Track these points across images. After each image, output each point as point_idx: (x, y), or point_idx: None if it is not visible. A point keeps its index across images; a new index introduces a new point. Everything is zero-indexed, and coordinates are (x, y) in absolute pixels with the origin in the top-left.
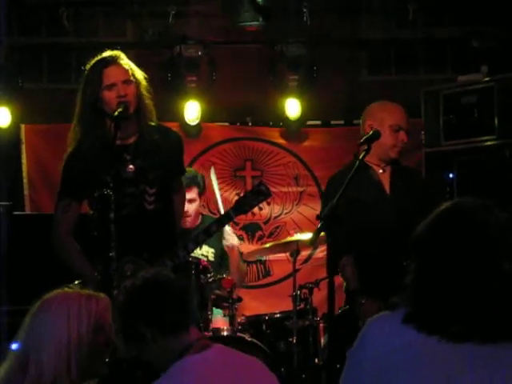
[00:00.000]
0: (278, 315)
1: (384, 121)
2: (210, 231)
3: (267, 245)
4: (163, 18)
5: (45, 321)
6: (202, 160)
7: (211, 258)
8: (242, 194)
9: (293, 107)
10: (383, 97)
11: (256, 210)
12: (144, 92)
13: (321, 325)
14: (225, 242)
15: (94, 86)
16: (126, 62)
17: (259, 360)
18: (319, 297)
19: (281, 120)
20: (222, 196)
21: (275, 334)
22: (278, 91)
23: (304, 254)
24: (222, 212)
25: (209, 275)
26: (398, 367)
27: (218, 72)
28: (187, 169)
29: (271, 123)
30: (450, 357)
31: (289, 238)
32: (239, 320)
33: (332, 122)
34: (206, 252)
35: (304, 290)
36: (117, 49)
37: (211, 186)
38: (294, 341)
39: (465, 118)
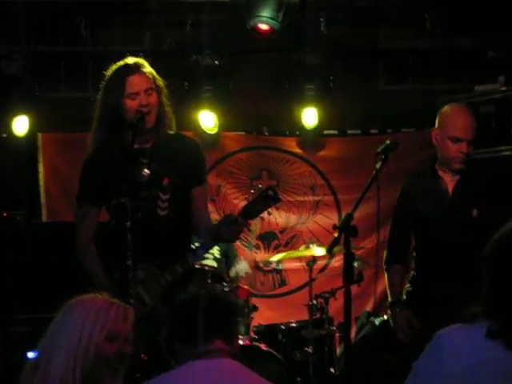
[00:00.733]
0: (294, 324)
1: (445, 130)
2: (220, 234)
3: (281, 255)
4: (180, 27)
5: (61, 323)
6: (219, 169)
7: (217, 255)
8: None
9: (309, 116)
10: (400, 106)
11: (272, 219)
12: (164, 99)
13: (337, 334)
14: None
15: (116, 92)
16: (148, 69)
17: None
18: (335, 306)
19: (297, 129)
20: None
21: (291, 344)
22: (295, 100)
23: (320, 263)
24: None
25: (224, 283)
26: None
27: (234, 81)
28: None
29: (288, 132)
30: None
31: (304, 252)
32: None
33: (349, 132)
34: (211, 250)
35: (320, 300)
36: (134, 58)
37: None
38: (310, 350)
39: (482, 128)
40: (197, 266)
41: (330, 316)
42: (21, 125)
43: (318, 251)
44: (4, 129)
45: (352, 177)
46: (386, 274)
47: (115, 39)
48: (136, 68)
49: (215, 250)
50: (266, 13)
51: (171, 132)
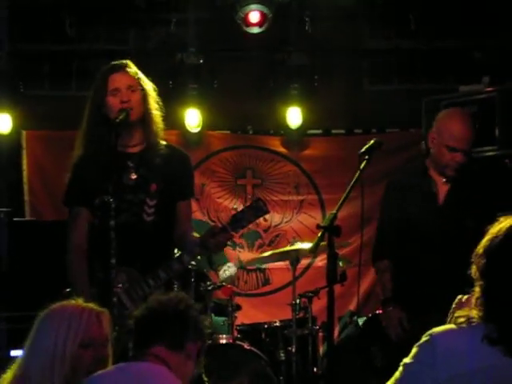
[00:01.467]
0: (278, 323)
1: (442, 137)
2: (205, 245)
3: (267, 253)
4: (165, 25)
5: (37, 333)
6: (203, 168)
7: None
8: (240, 204)
9: (294, 116)
10: (384, 106)
11: None
12: (151, 102)
13: (320, 333)
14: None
15: (100, 91)
16: (133, 70)
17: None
18: (319, 305)
19: (282, 128)
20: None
21: (274, 343)
22: (279, 100)
23: (304, 262)
24: None
25: (208, 283)
26: None
27: (219, 80)
28: None
29: (272, 132)
30: None
31: (288, 248)
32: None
33: (333, 131)
34: None
35: (303, 299)
36: (119, 56)
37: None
38: (293, 349)
39: None
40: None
41: (313, 315)
42: (4, 122)
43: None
44: None
45: (336, 176)
46: (375, 270)
47: (100, 37)
48: (119, 67)
49: None
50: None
51: (163, 142)
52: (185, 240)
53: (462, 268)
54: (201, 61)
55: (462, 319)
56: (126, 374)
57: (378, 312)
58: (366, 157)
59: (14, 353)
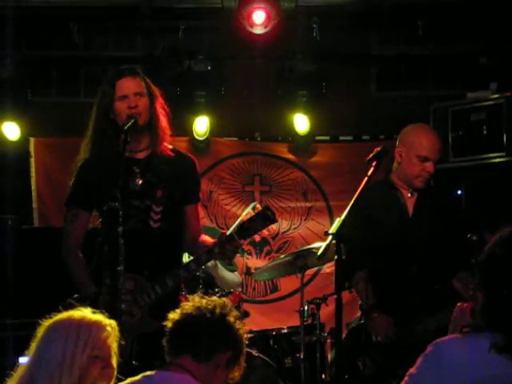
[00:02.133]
0: (286, 330)
1: (412, 149)
2: (213, 253)
3: (275, 261)
4: (173, 32)
5: (44, 344)
6: (211, 174)
7: None
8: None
9: (301, 123)
10: (392, 113)
11: None
12: (159, 108)
13: (328, 340)
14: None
15: (107, 97)
16: (140, 75)
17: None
18: (327, 312)
19: (289, 135)
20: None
21: (282, 350)
22: (287, 107)
23: (312, 269)
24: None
25: (216, 289)
26: None
27: (227, 87)
28: None
29: (280, 138)
30: None
31: (298, 249)
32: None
33: (341, 138)
34: None
35: (311, 306)
36: (126, 63)
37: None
38: (302, 356)
39: (473, 135)
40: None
41: (321, 322)
42: (13, 130)
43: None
44: None
45: (344, 183)
46: (354, 281)
47: (108, 44)
48: (127, 72)
49: None
50: None
51: (169, 146)
52: (195, 245)
53: (436, 277)
54: (208, 68)
55: (467, 328)
56: (151, 381)
57: (360, 322)
58: (374, 163)
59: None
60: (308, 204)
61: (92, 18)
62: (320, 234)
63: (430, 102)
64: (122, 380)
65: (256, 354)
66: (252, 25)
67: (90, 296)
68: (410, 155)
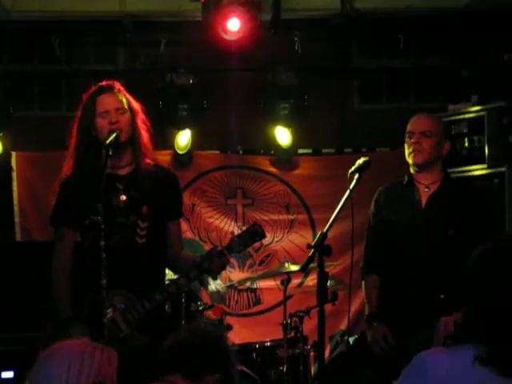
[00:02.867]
0: (269, 343)
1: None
2: (202, 268)
3: (258, 273)
4: (154, 46)
5: (47, 371)
6: (193, 187)
7: None
8: (232, 223)
9: (283, 135)
10: (374, 125)
11: None
12: (140, 123)
13: (311, 353)
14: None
15: (88, 113)
16: (121, 91)
17: None
18: (310, 325)
19: (272, 148)
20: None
21: (266, 363)
22: (269, 119)
23: (295, 281)
24: None
25: (199, 303)
26: None
27: (209, 100)
28: None
29: (262, 151)
30: None
31: (278, 269)
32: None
33: (323, 151)
34: None
35: (294, 319)
36: (108, 77)
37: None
38: (285, 369)
39: (455, 147)
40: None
41: (304, 335)
42: None
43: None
44: None
45: (326, 196)
46: (363, 285)
47: (89, 58)
48: (107, 88)
49: None
50: None
51: (151, 162)
52: (177, 260)
53: (443, 277)
54: (191, 81)
55: (450, 340)
56: None
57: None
58: (356, 176)
59: (4, 375)
60: (290, 217)
61: (74, 31)
62: (303, 246)
63: (412, 115)
64: None
65: (239, 368)
66: (226, 32)
67: (60, 325)
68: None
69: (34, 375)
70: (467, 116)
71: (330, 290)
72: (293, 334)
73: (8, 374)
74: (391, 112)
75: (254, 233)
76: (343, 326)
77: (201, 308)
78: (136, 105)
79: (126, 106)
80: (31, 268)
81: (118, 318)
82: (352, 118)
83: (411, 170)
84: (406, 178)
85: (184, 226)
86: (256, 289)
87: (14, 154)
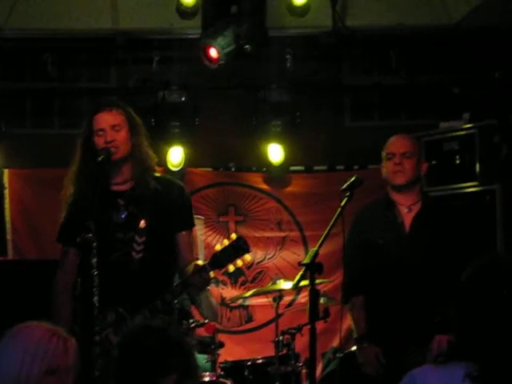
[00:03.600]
0: (261, 361)
1: (383, 157)
2: (187, 284)
3: (249, 293)
4: (147, 63)
5: (3, 351)
6: None
7: None
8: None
9: (276, 152)
10: (366, 143)
11: None
12: (143, 139)
13: (303, 370)
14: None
15: (86, 131)
16: (119, 108)
17: None
18: (302, 342)
19: (264, 165)
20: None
21: (257, 380)
22: (261, 136)
23: (287, 299)
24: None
25: (191, 320)
26: None
27: (201, 117)
28: None
29: (254, 168)
30: None
31: (271, 287)
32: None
33: (315, 168)
34: None
35: (286, 336)
36: (100, 94)
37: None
38: None
39: (447, 164)
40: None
41: (296, 352)
42: None
43: (286, 285)
44: None
45: (318, 213)
46: (349, 307)
47: (82, 76)
48: (105, 105)
49: None
50: (221, 41)
51: (156, 174)
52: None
53: (433, 299)
54: (183, 98)
55: (441, 358)
56: None
57: (352, 349)
58: (348, 193)
59: None
60: (283, 234)
61: (66, 49)
62: (295, 264)
63: (404, 132)
64: None
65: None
66: (209, 60)
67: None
68: (384, 163)
69: None
70: (458, 133)
71: (323, 307)
72: (285, 351)
73: None
74: (383, 129)
75: (238, 247)
76: (335, 343)
77: (193, 325)
78: (136, 120)
79: (123, 123)
80: (23, 287)
81: (110, 334)
82: (344, 136)
83: (390, 191)
84: (384, 200)
85: None
86: (248, 306)
87: (6, 171)
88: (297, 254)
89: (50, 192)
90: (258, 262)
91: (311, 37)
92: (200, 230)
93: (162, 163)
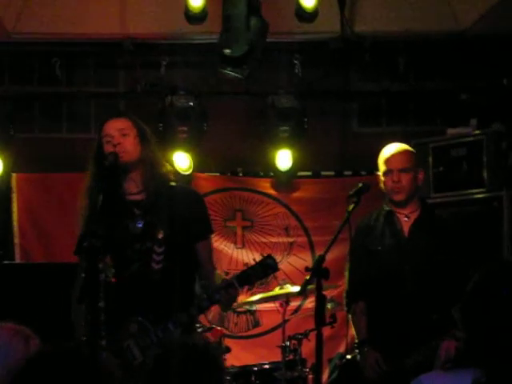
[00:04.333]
0: (267, 366)
1: (380, 169)
2: (214, 299)
3: (256, 297)
4: (155, 68)
5: None
6: None
7: None
8: (231, 246)
9: (283, 158)
10: (373, 148)
11: (246, 259)
12: (149, 145)
13: (310, 376)
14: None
15: (97, 142)
16: (127, 117)
17: None
18: (308, 348)
19: (271, 171)
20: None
21: None
22: (269, 142)
23: (293, 304)
24: None
25: (198, 325)
26: None
27: (209, 122)
28: None
29: (262, 174)
30: None
31: (277, 291)
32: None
33: (322, 173)
34: None
35: (293, 341)
36: (108, 99)
37: None
38: None
39: (454, 171)
40: None
41: (302, 357)
42: None
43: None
44: None
45: (326, 218)
46: (351, 312)
47: (90, 80)
48: (112, 115)
49: None
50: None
51: (172, 183)
52: (208, 282)
53: (433, 303)
54: (191, 103)
55: (449, 364)
56: None
57: (354, 355)
58: (355, 199)
59: None
60: (290, 239)
61: (74, 53)
62: (302, 269)
63: (411, 138)
64: None
65: None
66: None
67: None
68: (381, 178)
69: None
70: (466, 140)
71: (330, 312)
72: (291, 356)
73: None
74: (390, 135)
75: (267, 266)
76: (342, 348)
77: (200, 330)
78: (147, 128)
79: (131, 129)
80: (31, 289)
81: (132, 345)
82: (351, 141)
83: (389, 204)
84: (384, 209)
85: None
86: (255, 311)
87: (14, 175)
88: (304, 260)
89: (57, 196)
90: None
91: (319, 42)
92: None
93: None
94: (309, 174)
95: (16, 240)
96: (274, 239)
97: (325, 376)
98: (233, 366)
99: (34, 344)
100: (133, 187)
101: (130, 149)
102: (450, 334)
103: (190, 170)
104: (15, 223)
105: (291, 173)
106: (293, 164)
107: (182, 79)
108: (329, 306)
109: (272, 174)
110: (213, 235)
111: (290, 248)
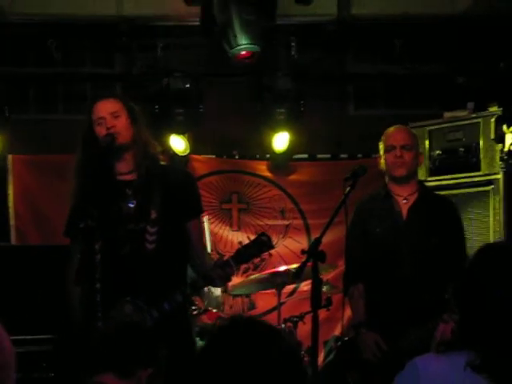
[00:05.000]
0: None
1: (383, 146)
2: (210, 278)
3: (252, 276)
4: (151, 50)
5: None
6: None
7: None
8: (227, 228)
9: (280, 140)
10: (370, 131)
11: (242, 242)
12: (139, 126)
13: (305, 358)
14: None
15: (87, 123)
16: (117, 96)
17: None
18: (304, 330)
19: (268, 153)
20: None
21: None
22: (265, 124)
23: (289, 287)
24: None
25: (193, 308)
26: None
27: (205, 104)
28: None
29: (258, 156)
30: None
31: (274, 270)
32: None
33: (319, 156)
34: None
35: (289, 324)
36: (105, 80)
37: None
38: None
39: (451, 154)
40: None
41: (298, 340)
42: None
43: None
44: None
45: (321, 201)
46: (349, 295)
47: (86, 61)
48: (102, 96)
49: None
50: (245, 40)
51: (162, 163)
52: (199, 262)
53: (432, 287)
54: (187, 85)
55: (444, 346)
56: None
57: (351, 337)
58: (351, 182)
59: None
60: (286, 222)
61: (70, 35)
62: (297, 252)
63: (408, 121)
64: None
65: None
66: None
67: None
68: (382, 156)
69: None
70: (463, 123)
71: (325, 295)
72: None
73: None
74: (387, 118)
75: (262, 243)
76: (337, 331)
77: (195, 312)
78: (135, 107)
79: (122, 110)
80: (26, 272)
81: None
82: (348, 124)
83: (388, 183)
84: (382, 192)
85: None
86: (250, 293)
87: (9, 156)
88: (300, 242)
89: (53, 178)
90: None
91: (316, 25)
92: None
93: (167, 150)
94: (305, 156)
95: (11, 222)
96: (269, 222)
97: (320, 358)
98: None
99: (6, 341)
100: (124, 167)
101: (123, 131)
102: (447, 316)
103: (187, 152)
104: (11, 205)
105: (287, 155)
106: (289, 147)
107: (179, 61)
108: (324, 288)
109: (268, 156)
110: (206, 216)
111: (285, 231)
